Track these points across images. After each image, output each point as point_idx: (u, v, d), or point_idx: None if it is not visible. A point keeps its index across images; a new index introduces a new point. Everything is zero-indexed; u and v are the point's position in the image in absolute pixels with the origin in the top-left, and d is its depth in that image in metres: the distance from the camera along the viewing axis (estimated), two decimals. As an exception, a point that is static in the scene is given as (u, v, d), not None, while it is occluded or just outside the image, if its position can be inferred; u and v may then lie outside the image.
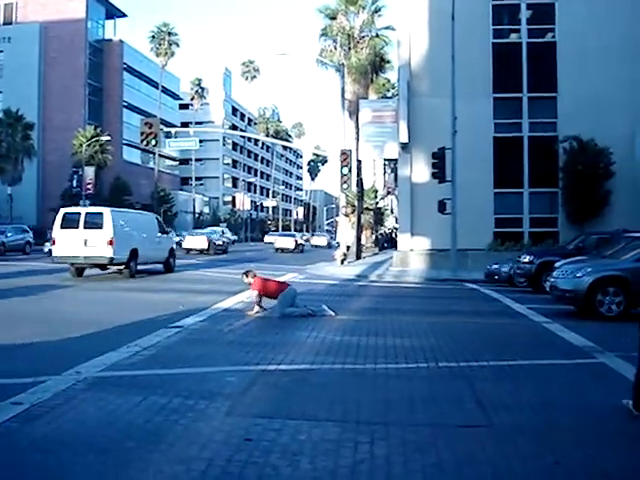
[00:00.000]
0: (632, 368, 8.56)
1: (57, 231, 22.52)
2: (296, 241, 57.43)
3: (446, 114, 26.92)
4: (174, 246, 28.45)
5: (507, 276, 22.44)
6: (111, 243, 21.87)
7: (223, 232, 60.25)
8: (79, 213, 22.99)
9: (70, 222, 22.43)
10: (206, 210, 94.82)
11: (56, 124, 66.40)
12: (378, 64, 43.60)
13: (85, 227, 22.14)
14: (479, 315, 14.88)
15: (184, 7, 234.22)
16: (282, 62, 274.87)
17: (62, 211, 23.16)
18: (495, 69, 30.99)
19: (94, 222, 22.28)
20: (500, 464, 5.09)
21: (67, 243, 21.99)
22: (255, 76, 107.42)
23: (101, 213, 22.73)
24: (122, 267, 22.87)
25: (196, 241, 44.90)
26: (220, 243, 47.53)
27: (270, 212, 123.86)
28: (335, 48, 42.18)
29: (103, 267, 23.05)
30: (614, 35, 29.16)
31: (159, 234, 26.38)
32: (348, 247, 36.86)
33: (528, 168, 30.73)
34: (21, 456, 5.07)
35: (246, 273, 13.98)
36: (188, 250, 43.70)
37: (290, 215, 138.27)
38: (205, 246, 44.22)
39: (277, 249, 55.69)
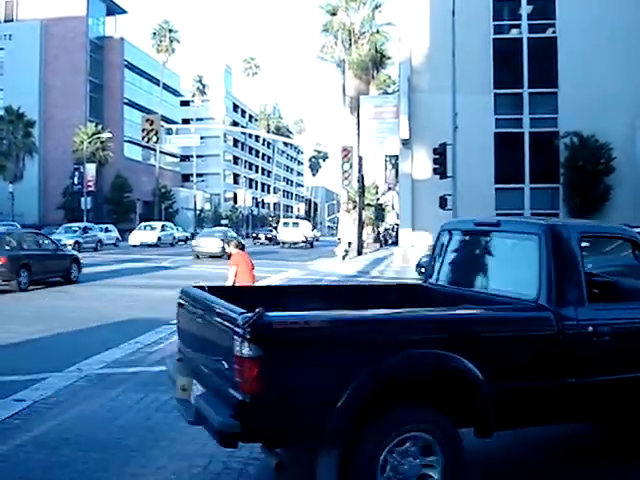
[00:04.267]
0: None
1: (281, 228, 53.12)
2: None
3: (447, 110, 26.85)
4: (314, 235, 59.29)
5: None
6: (304, 235, 50.92)
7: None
8: (289, 223, 54.57)
9: (285, 225, 53.26)
10: (207, 207, 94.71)
11: (57, 121, 66.36)
12: (379, 60, 43.55)
13: (292, 227, 52.42)
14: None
15: (185, 4, 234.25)
16: (283, 58, 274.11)
17: (282, 220, 59.07)
18: (496, 65, 30.88)
19: (296, 226, 52.98)
20: (498, 463, 5.11)
21: (285, 234, 51.31)
22: (256, 72, 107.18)
23: (298, 222, 55.42)
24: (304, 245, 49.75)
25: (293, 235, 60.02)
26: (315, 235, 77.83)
27: (271, 208, 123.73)
28: (336, 44, 42.15)
29: (295, 244, 49.76)
30: (615, 30, 29.01)
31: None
32: (349, 243, 36.85)
33: (529, 164, 30.65)
34: (23, 453, 5.10)
35: (228, 241, 11.28)
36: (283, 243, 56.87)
37: (291, 211, 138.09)
38: (303, 239, 64.19)
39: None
